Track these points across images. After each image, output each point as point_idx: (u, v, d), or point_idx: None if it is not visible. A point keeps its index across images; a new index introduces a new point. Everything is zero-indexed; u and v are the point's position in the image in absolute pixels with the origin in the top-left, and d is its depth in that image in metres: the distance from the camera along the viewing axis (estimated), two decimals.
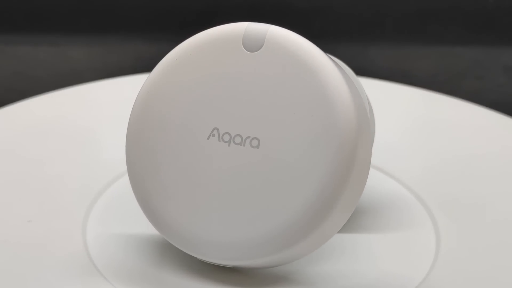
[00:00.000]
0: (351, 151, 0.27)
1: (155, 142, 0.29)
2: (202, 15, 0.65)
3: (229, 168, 0.29)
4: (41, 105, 0.45)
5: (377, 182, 0.38)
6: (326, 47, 0.29)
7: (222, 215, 0.29)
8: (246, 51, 0.29)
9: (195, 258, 0.30)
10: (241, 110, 0.29)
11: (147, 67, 0.50)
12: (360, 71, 0.46)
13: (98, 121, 0.44)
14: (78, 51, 0.64)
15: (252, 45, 0.29)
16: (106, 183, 0.37)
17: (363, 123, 0.28)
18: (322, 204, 0.27)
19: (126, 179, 0.38)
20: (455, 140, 0.42)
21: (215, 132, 0.29)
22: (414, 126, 0.44)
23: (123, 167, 0.38)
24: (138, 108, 0.30)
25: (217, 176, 0.29)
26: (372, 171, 0.37)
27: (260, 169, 0.28)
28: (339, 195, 0.27)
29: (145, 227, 0.34)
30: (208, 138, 0.29)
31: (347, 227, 0.33)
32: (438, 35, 0.65)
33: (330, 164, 0.27)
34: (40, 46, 0.64)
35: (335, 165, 0.27)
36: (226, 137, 0.29)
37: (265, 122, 0.28)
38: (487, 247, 0.33)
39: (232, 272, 0.30)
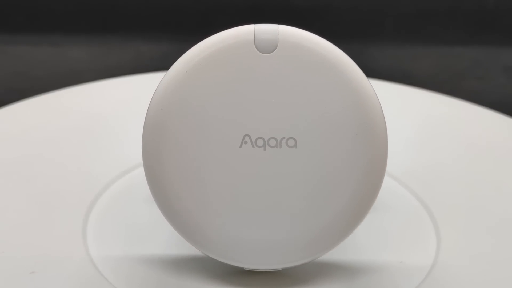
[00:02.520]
0: (385, 140, 0.29)
1: (182, 162, 0.28)
2: (202, 15, 0.65)
3: (268, 172, 0.28)
4: (41, 105, 0.45)
5: None
6: None
7: (268, 221, 0.29)
8: (261, 53, 0.28)
9: (213, 260, 0.30)
10: (269, 112, 0.28)
11: (147, 67, 0.50)
12: None
13: (98, 121, 0.43)
14: (78, 51, 0.64)
15: (266, 47, 0.29)
16: (107, 183, 0.37)
17: None
18: (366, 194, 0.28)
19: (126, 180, 0.38)
20: (455, 140, 0.42)
21: (247, 139, 0.28)
22: (413, 126, 0.44)
23: (123, 168, 0.38)
24: (153, 128, 0.29)
25: (257, 182, 0.29)
26: None
27: (302, 168, 0.28)
28: (380, 182, 0.29)
29: (146, 234, 0.34)
30: (240, 146, 0.28)
31: None
32: (438, 35, 0.65)
33: (369, 153, 0.28)
34: (40, 46, 0.64)
35: (374, 152, 0.28)
36: (260, 142, 0.28)
37: (298, 121, 0.28)
38: (487, 246, 0.33)
39: (260, 273, 0.30)
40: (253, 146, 0.28)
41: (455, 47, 0.64)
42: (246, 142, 0.28)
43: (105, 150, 0.40)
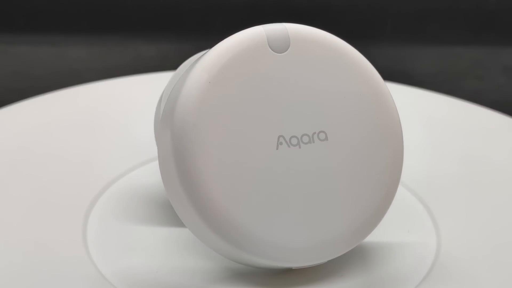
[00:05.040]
0: (398, 122, 0.30)
1: (223, 173, 0.28)
2: (202, 15, 0.65)
3: (306, 169, 0.29)
4: (41, 105, 0.45)
5: None
6: None
7: (313, 217, 0.29)
8: (276, 53, 0.29)
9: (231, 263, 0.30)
10: (296, 110, 0.29)
11: (147, 67, 0.50)
12: None
13: (98, 121, 0.43)
14: (78, 51, 0.64)
15: (280, 46, 0.29)
16: (107, 183, 0.37)
17: None
18: (392, 177, 0.30)
19: (126, 180, 0.38)
20: (455, 140, 0.42)
21: (281, 140, 0.29)
22: (413, 126, 0.44)
23: (124, 168, 0.38)
24: (185, 143, 0.28)
25: (298, 180, 0.29)
26: None
27: (336, 159, 0.29)
28: (401, 164, 0.30)
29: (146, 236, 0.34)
30: (277, 148, 0.29)
31: None
32: (438, 35, 0.65)
33: (387, 135, 0.30)
34: (40, 46, 0.64)
35: (391, 134, 0.30)
36: (294, 141, 0.29)
37: (324, 113, 0.29)
38: (487, 246, 0.33)
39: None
40: (288, 146, 0.29)
41: (455, 47, 0.64)
42: (281, 143, 0.29)
43: (105, 150, 0.40)
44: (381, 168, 0.30)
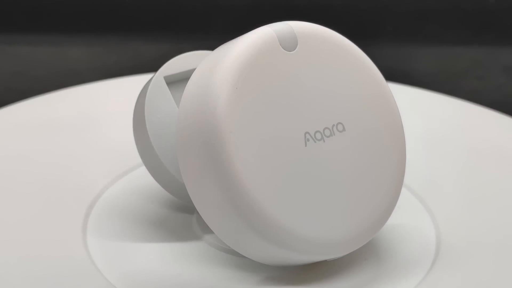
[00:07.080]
0: (397, 109, 0.32)
1: (262, 175, 0.28)
2: (202, 15, 0.65)
3: (333, 162, 0.30)
4: (41, 105, 0.45)
5: None
6: None
7: (343, 209, 0.30)
8: (288, 52, 0.30)
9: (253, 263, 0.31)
10: (314, 104, 0.30)
11: (147, 67, 0.50)
12: None
13: (98, 121, 0.43)
14: (78, 51, 0.64)
15: (289, 45, 0.30)
16: (107, 184, 0.37)
17: None
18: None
19: (126, 181, 0.38)
20: (454, 140, 0.42)
21: (308, 136, 0.29)
22: (413, 126, 0.44)
23: (124, 168, 0.38)
24: (222, 149, 0.28)
25: (327, 174, 0.29)
26: None
27: (356, 149, 0.30)
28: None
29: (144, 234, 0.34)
30: (306, 146, 0.29)
31: None
32: (438, 35, 0.65)
33: (389, 120, 0.31)
34: (40, 46, 0.64)
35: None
36: (318, 136, 0.29)
37: (338, 105, 0.30)
38: (486, 245, 0.33)
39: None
40: (315, 141, 0.29)
41: (455, 47, 0.64)
42: (308, 140, 0.29)
43: (105, 150, 0.40)
44: (390, 161, 0.31)
